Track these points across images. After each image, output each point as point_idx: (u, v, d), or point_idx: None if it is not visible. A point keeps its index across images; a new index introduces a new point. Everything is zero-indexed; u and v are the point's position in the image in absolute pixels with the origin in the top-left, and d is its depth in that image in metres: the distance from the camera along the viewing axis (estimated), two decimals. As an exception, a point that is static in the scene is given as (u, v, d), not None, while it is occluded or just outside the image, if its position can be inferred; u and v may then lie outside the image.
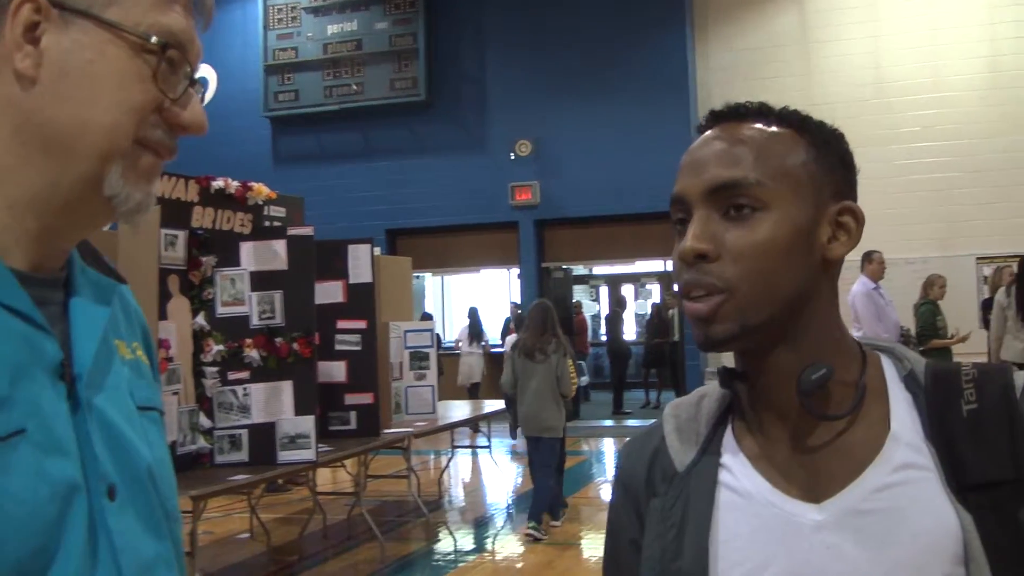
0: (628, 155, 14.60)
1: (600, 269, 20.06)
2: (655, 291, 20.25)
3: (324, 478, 9.31)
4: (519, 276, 15.98)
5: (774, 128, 1.12)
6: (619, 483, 1.26)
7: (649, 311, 17.95)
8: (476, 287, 18.99)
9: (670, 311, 16.62)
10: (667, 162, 13.43)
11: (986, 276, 12.99)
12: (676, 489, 1.15)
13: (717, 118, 1.16)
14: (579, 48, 14.93)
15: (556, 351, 7.85)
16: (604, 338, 18.05)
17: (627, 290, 20.36)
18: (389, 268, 8.70)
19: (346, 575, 7.03)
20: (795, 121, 1.13)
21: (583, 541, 8.01)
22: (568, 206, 15.03)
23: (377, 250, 8.19)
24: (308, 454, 6.10)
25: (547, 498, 7.96)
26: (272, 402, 6.08)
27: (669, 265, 15.69)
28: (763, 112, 1.14)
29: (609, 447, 13.15)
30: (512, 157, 15.23)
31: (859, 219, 1.12)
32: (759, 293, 1.05)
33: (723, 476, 1.13)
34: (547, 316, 8.00)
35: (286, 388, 6.13)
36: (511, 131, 15.23)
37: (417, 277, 13.08)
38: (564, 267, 16.58)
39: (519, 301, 15.88)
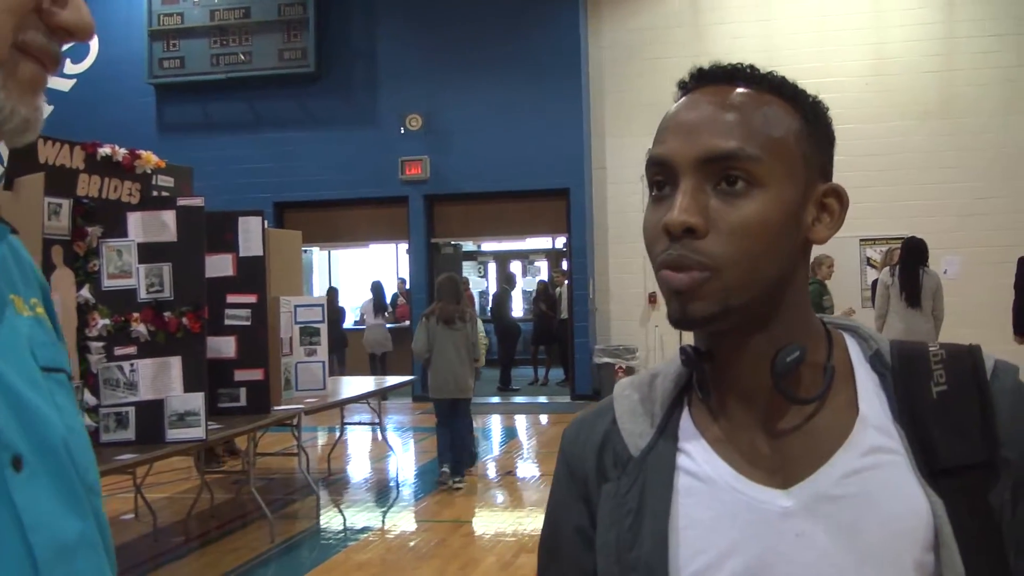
0: (519, 131, 14.57)
1: (488, 245, 20.07)
2: (543, 268, 20.36)
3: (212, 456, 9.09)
4: (408, 251, 15.85)
5: (767, 96, 1.05)
6: (564, 467, 1.19)
7: (536, 288, 18.04)
8: (364, 262, 18.83)
9: (558, 288, 16.71)
10: (558, 139, 13.66)
11: (869, 257, 13.37)
12: (631, 474, 1.09)
13: (705, 78, 1.08)
14: (472, 23, 14.81)
15: (470, 319, 8.61)
16: (490, 314, 18.08)
17: (515, 267, 20.44)
18: (279, 242, 8.51)
19: (235, 555, 6.86)
20: (788, 91, 1.07)
21: (475, 519, 7.99)
22: (458, 181, 14.94)
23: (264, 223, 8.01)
24: (197, 432, 5.93)
25: (467, 453, 8.89)
26: (160, 378, 5.89)
27: (558, 242, 15.81)
28: (755, 78, 1.07)
29: (496, 424, 13.14)
30: (402, 131, 15.05)
31: (843, 202, 1.08)
32: (745, 274, 1.00)
33: (681, 460, 1.08)
34: (458, 286, 8.73)
35: (175, 364, 5.94)
36: (402, 105, 15.05)
37: (305, 251, 12.85)
38: (453, 243, 16.52)
39: (406, 277, 15.83)
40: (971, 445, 1.00)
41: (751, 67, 1.08)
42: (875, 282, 10.20)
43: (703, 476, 1.06)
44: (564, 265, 16.05)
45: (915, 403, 1.04)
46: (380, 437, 10.86)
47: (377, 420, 10.34)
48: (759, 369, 1.04)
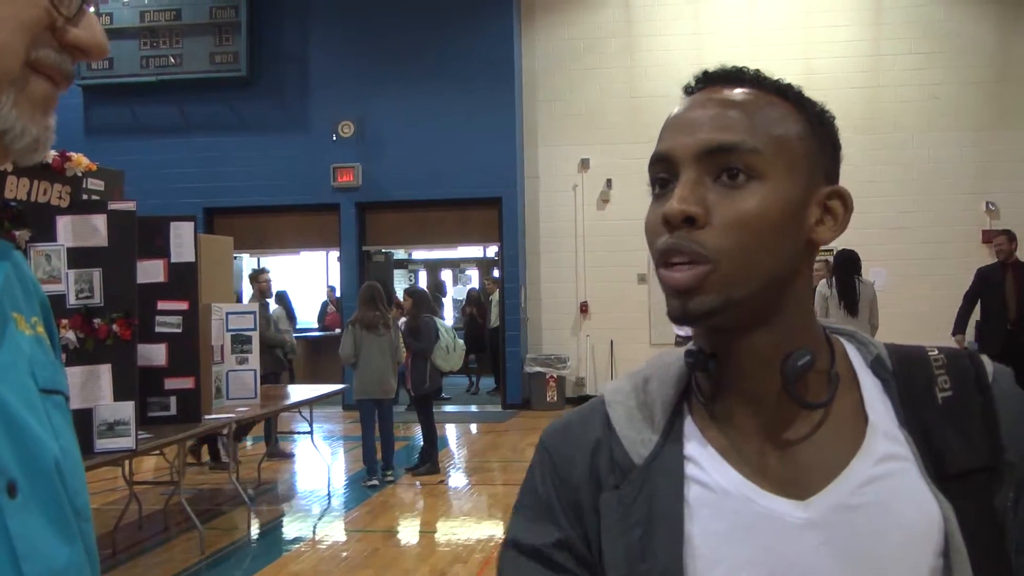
0: (452, 140, 14.56)
1: (419, 253, 20.00)
2: (474, 276, 20.34)
3: (139, 466, 8.90)
4: (339, 259, 15.72)
5: (772, 97, 1.06)
6: (552, 473, 1.13)
7: (466, 296, 18.00)
8: (294, 269, 18.65)
9: (490, 296, 16.68)
10: (491, 148, 13.64)
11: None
12: (636, 483, 1.06)
13: (709, 80, 1.08)
14: (406, 30, 14.76)
15: (393, 325, 9.22)
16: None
17: (446, 275, 20.39)
18: (211, 248, 8.37)
19: (163, 568, 6.73)
20: (792, 94, 1.07)
21: (408, 529, 7.94)
22: (391, 189, 14.87)
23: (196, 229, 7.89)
24: (127, 442, 5.81)
25: (393, 449, 9.47)
26: (89, 387, 5.75)
27: (490, 251, 15.77)
28: (759, 80, 1.08)
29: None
30: (334, 138, 14.95)
31: (847, 205, 1.08)
32: (744, 267, 0.99)
33: (689, 469, 1.06)
34: (375, 294, 9.21)
35: (104, 372, 5.81)
36: (334, 112, 14.95)
37: (235, 258, 12.66)
38: (385, 251, 16.43)
39: (336, 285, 15.68)
40: (977, 450, 1.02)
41: (757, 70, 1.09)
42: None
43: (714, 486, 1.04)
44: (496, 273, 16.04)
45: (921, 408, 1.04)
46: (311, 446, 10.74)
47: (308, 429, 10.22)
48: (766, 374, 1.04)
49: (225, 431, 7.55)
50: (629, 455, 1.08)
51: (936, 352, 1.09)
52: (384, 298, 9.37)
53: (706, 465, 1.06)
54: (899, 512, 0.99)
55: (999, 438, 1.02)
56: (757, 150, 1.00)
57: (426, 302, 10.01)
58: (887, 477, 1.01)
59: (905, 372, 1.07)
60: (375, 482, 9.22)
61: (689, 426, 1.09)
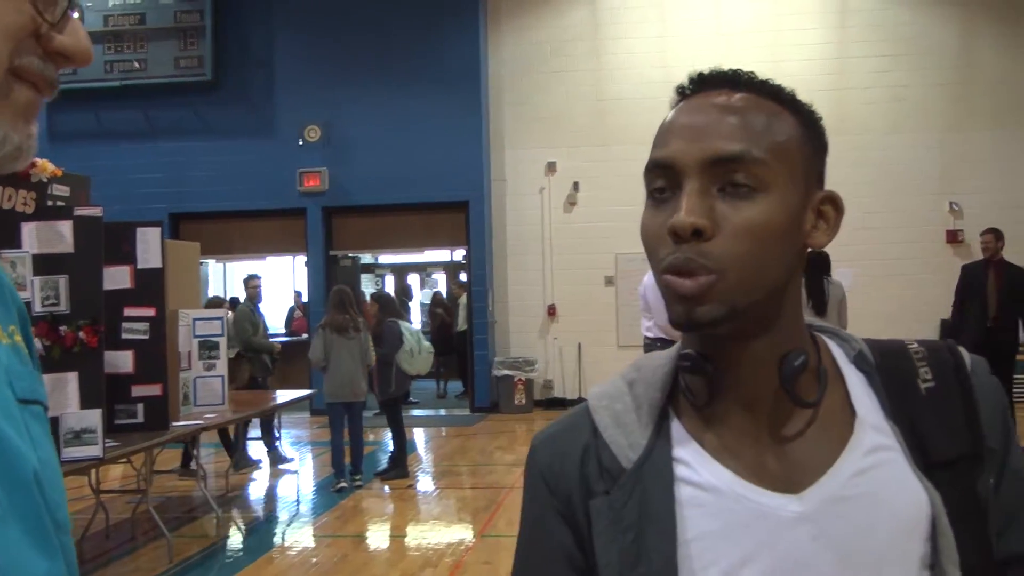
0: (419, 144, 14.53)
1: (386, 258, 19.94)
2: (441, 280, 20.31)
3: (106, 474, 8.81)
4: (306, 264, 15.65)
5: (769, 102, 1.06)
6: (542, 485, 1.14)
7: (431, 300, 17.98)
8: (261, 274, 18.51)
9: (458, 300, 16.66)
10: (457, 151, 13.63)
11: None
12: (626, 488, 1.06)
13: (704, 83, 1.08)
14: (371, 34, 14.71)
15: (363, 328, 9.24)
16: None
17: (413, 279, 20.36)
18: (177, 253, 8.30)
19: (132, 577, 6.69)
20: (786, 98, 1.08)
21: (377, 534, 7.91)
22: (357, 193, 14.82)
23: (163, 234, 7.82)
24: (94, 450, 5.75)
25: (362, 453, 9.59)
26: (56, 395, 5.67)
27: (456, 255, 15.73)
28: (754, 84, 1.07)
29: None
30: (301, 143, 14.89)
31: (840, 209, 1.09)
32: (749, 277, 1.00)
33: (680, 471, 1.06)
34: (345, 298, 9.26)
35: (71, 380, 5.75)
36: (300, 116, 14.89)
37: (201, 264, 12.58)
38: (351, 255, 16.38)
39: (303, 290, 15.61)
40: (960, 438, 1.05)
41: (751, 73, 1.09)
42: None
43: (706, 485, 1.05)
44: (463, 277, 16.03)
45: (905, 400, 1.07)
46: (278, 453, 10.69)
47: (277, 435, 10.16)
48: (761, 375, 1.05)
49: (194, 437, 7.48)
50: (617, 459, 1.08)
51: (916, 345, 1.12)
52: (353, 301, 9.41)
53: (696, 465, 1.06)
54: (889, 501, 1.02)
55: (980, 425, 1.06)
56: (763, 160, 1.01)
57: (391, 307, 10.07)
58: (876, 468, 1.03)
59: (888, 365, 1.10)
60: (343, 485, 9.24)
61: (677, 428, 1.10)
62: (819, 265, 9.27)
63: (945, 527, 1.00)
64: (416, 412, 15.01)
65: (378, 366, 9.52)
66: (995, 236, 9.91)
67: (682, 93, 1.09)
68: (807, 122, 1.07)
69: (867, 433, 1.05)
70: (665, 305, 1.04)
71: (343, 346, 9.09)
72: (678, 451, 1.07)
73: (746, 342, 1.05)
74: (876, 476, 1.03)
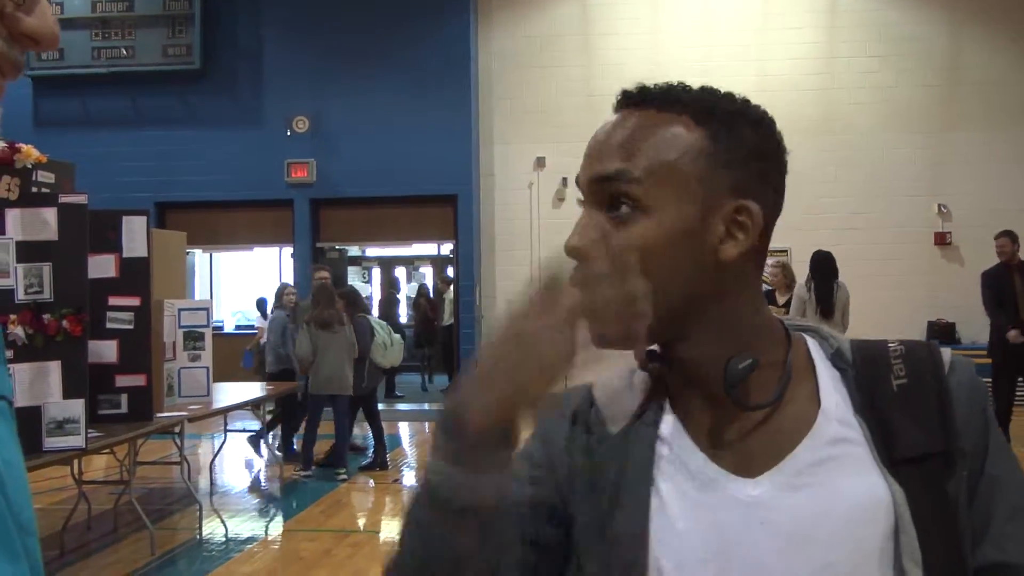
0: (407, 137, 14.48)
1: (374, 250, 19.89)
2: (428, 274, 20.26)
3: (88, 465, 8.74)
4: (293, 255, 15.59)
5: (671, 115, 1.06)
6: (539, 438, 1.18)
7: (416, 291, 17.92)
8: (247, 265, 18.47)
9: (443, 295, 16.63)
10: (446, 145, 13.60)
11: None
12: (610, 450, 1.11)
13: (625, 100, 1.10)
14: (361, 26, 14.66)
15: (346, 322, 9.28)
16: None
17: (400, 272, 20.30)
18: (163, 243, 8.24)
19: (113, 569, 6.63)
20: (700, 106, 1.06)
21: (361, 529, 7.87)
22: (345, 185, 14.78)
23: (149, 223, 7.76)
24: (77, 440, 5.69)
25: (347, 446, 9.75)
26: (38, 384, 5.62)
27: (444, 249, 15.76)
28: (667, 97, 1.07)
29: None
30: (289, 133, 14.83)
31: (755, 218, 1.05)
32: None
33: (659, 445, 1.10)
34: (327, 292, 9.36)
35: (54, 369, 5.68)
36: (288, 106, 14.82)
37: (187, 254, 12.52)
38: (339, 247, 16.33)
39: (291, 281, 15.55)
40: (930, 435, 1.05)
41: (673, 86, 1.09)
42: (768, 293, 10.35)
43: (677, 463, 1.08)
44: (450, 271, 16.01)
45: (876, 395, 1.07)
46: (264, 445, 10.62)
47: (263, 427, 10.11)
48: (712, 373, 1.07)
49: (177, 428, 7.41)
50: (606, 425, 1.13)
51: (896, 344, 1.13)
52: (335, 296, 9.48)
53: (673, 442, 1.09)
54: (845, 494, 1.02)
55: (952, 424, 1.05)
56: (636, 179, 1.02)
57: (359, 302, 10.16)
58: (835, 459, 1.04)
59: (863, 362, 1.11)
60: (309, 473, 9.36)
61: (666, 408, 1.13)
62: (826, 271, 9.30)
63: (907, 523, 1.00)
64: (401, 406, 14.98)
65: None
66: (1011, 239, 9.70)
67: (614, 108, 1.12)
68: (719, 132, 1.05)
69: (831, 425, 1.06)
70: None
71: (329, 340, 9.12)
72: (662, 428, 1.11)
73: (683, 349, 1.08)
74: (834, 467, 1.03)
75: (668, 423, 1.11)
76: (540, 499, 1.12)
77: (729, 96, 1.09)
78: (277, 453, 10.26)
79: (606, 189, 1.04)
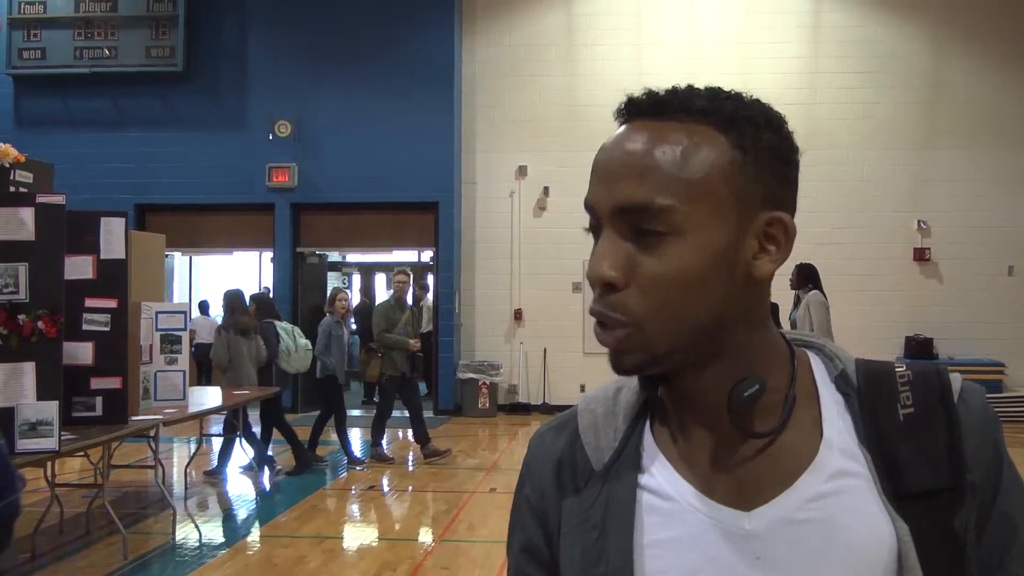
0: (390, 143, 14.48)
1: (354, 256, 19.83)
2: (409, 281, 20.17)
3: (62, 467, 8.66)
4: (272, 260, 15.53)
5: (693, 127, 0.98)
6: (525, 479, 1.17)
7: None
8: (227, 269, 18.40)
9: (420, 303, 16.57)
10: (428, 152, 13.60)
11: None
12: (594, 488, 1.07)
13: (636, 111, 1.01)
14: (345, 31, 14.65)
15: (258, 330, 9.83)
16: (354, 327, 17.80)
17: (380, 279, 20.24)
18: (142, 245, 8.19)
19: (85, 573, 6.56)
20: (722, 114, 0.99)
21: (336, 535, 7.83)
22: (327, 191, 14.74)
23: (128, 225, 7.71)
24: (50, 443, 5.65)
25: (266, 449, 10.06)
26: (11, 385, 5.59)
27: (425, 256, 15.66)
28: (685, 106, 0.99)
29: (356, 438, 12.88)
30: (271, 137, 14.78)
31: (789, 231, 1.00)
32: (667, 324, 0.97)
33: (643, 478, 1.06)
34: (240, 301, 9.77)
35: (28, 370, 5.66)
36: (271, 110, 14.79)
37: (166, 256, 12.47)
38: (319, 253, 16.27)
39: (270, 286, 15.49)
40: (938, 470, 0.99)
41: (685, 91, 1.01)
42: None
43: (664, 494, 1.04)
44: (429, 279, 15.96)
45: (881, 425, 1.02)
46: (239, 449, 10.56)
47: (239, 432, 10.05)
48: (715, 397, 1.01)
49: (153, 432, 7.35)
50: (591, 461, 1.09)
51: (903, 368, 1.06)
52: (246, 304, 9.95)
53: (658, 474, 1.05)
54: (847, 530, 0.97)
55: (962, 456, 1.00)
56: (669, 207, 0.95)
57: (268, 307, 10.53)
58: (838, 494, 0.99)
59: (869, 389, 1.05)
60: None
61: (647, 436, 1.09)
62: (813, 276, 9.42)
63: (912, 563, 0.96)
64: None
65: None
66: None
67: (618, 117, 1.04)
68: (747, 142, 0.98)
69: (832, 456, 1.01)
70: None
71: (244, 346, 9.61)
72: (645, 459, 1.07)
73: (692, 373, 1.02)
74: (836, 502, 0.98)
75: (652, 450, 1.07)
76: (528, 546, 1.13)
77: (740, 97, 1.02)
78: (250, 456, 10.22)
79: (635, 217, 0.96)
